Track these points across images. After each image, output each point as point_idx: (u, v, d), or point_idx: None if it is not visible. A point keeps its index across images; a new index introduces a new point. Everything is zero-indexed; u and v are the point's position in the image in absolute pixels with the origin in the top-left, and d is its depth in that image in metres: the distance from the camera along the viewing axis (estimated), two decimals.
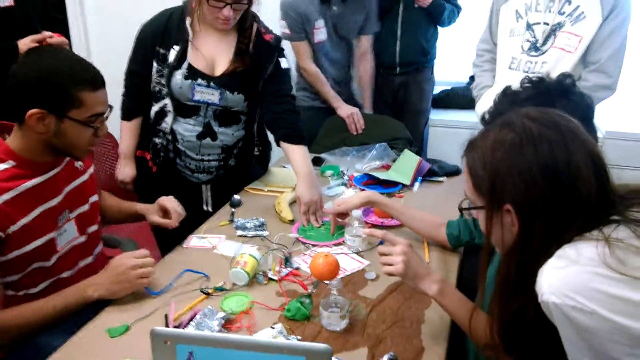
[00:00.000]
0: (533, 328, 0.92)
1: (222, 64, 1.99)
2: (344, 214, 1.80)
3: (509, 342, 0.99)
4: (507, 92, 1.31)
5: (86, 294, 1.38)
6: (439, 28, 3.12)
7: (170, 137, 2.04)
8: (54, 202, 1.46)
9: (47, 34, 1.89)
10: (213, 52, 1.99)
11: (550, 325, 0.88)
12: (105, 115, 1.43)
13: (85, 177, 1.60)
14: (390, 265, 1.25)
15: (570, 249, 0.87)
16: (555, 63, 2.02)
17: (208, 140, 2.04)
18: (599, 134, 2.87)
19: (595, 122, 1.33)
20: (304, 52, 2.80)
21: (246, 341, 0.91)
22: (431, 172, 2.29)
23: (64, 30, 3.43)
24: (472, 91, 2.38)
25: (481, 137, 0.99)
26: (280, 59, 2.07)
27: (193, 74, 1.95)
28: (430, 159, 2.42)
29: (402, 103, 3.24)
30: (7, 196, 1.34)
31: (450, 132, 3.38)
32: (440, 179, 2.31)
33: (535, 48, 2.07)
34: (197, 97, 1.97)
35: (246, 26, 1.99)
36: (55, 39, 1.88)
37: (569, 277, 0.83)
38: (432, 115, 3.45)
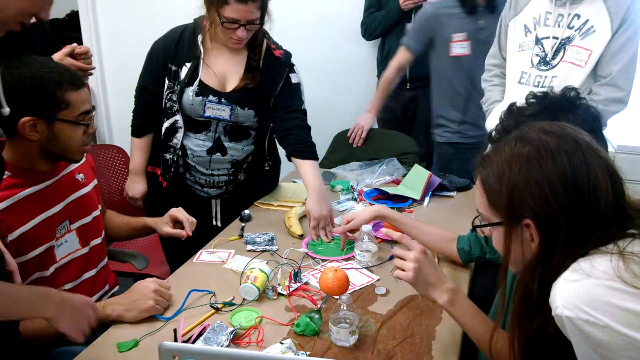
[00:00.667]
0: (554, 346, 0.91)
1: (232, 80, 2.02)
2: (353, 230, 1.79)
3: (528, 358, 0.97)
4: (512, 110, 1.31)
5: (105, 313, 1.39)
6: None
7: (180, 153, 2.05)
8: (52, 212, 1.48)
9: (74, 45, 1.94)
10: (224, 68, 2.01)
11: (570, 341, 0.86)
12: (92, 114, 1.48)
13: (87, 189, 1.62)
14: (402, 270, 1.24)
15: (584, 262, 0.86)
16: (565, 77, 2.01)
17: (218, 155, 2.06)
18: (610, 148, 2.85)
19: (606, 134, 1.32)
20: (400, 58, 2.79)
21: (254, 356, 0.90)
22: (441, 187, 2.28)
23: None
24: (481, 106, 2.38)
25: (495, 152, 0.98)
26: (290, 75, 2.08)
27: (204, 90, 1.97)
28: (440, 174, 2.41)
29: (412, 118, 3.24)
30: (3, 205, 1.36)
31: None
32: (451, 193, 2.30)
33: (544, 62, 2.06)
34: (208, 113, 1.99)
35: (257, 43, 2.01)
36: (82, 48, 1.95)
37: (583, 291, 0.82)
38: None
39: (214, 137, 2.04)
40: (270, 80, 2.04)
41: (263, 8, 1.89)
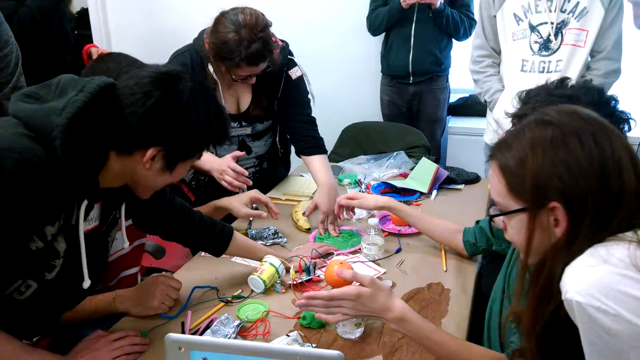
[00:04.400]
0: (567, 331, 0.89)
1: (245, 99, 2.06)
2: (352, 209, 1.82)
3: (543, 347, 0.96)
4: (529, 96, 1.28)
5: (113, 305, 1.41)
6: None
7: None
8: None
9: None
10: (235, 92, 2.05)
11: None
12: None
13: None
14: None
15: (601, 248, 0.85)
16: (569, 59, 2.13)
17: (244, 154, 2.11)
18: None
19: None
20: None
21: (259, 348, 0.91)
22: (449, 180, 2.28)
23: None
24: (479, 97, 2.42)
25: (513, 137, 0.95)
26: (289, 72, 2.07)
27: None
28: (448, 167, 2.41)
29: (417, 112, 3.24)
30: None
31: (470, 140, 3.35)
32: (459, 186, 2.29)
33: (546, 48, 2.14)
34: (232, 134, 2.06)
35: None
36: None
37: (596, 277, 0.81)
38: (451, 123, 3.43)
39: (238, 140, 2.10)
40: (271, 88, 2.06)
41: (271, 55, 1.88)
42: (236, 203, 1.78)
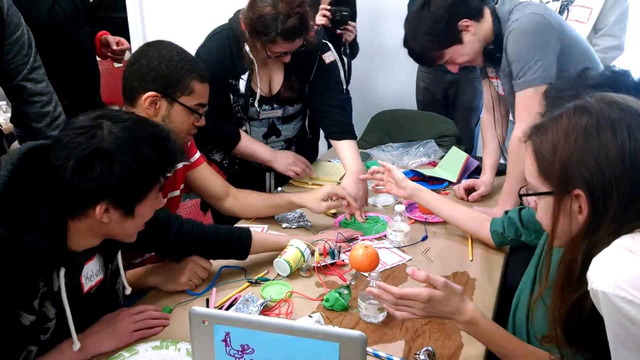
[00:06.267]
0: (592, 318, 0.89)
1: (277, 81, 2.06)
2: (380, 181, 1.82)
3: (570, 333, 0.96)
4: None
5: (143, 280, 1.45)
6: None
7: None
8: None
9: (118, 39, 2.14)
10: (268, 73, 2.04)
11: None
12: (204, 110, 1.56)
13: (179, 165, 1.64)
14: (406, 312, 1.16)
15: (627, 238, 0.85)
16: None
17: (273, 137, 2.13)
18: None
19: None
20: None
21: (281, 324, 0.92)
22: (479, 170, 2.24)
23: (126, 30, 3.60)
24: None
25: (552, 121, 0.96)
26: (323, 56, 2.07)
27: (259, 100, 2.01)
28: (479, 157, 2.37)
29: (454, 100, 3.19)
30: None
31: None
32: None
33: None
34: (262, 116, 2.08)
35: None
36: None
37: (623, 267, 0.81)
38: None
39: (268, 123, 2.11)
40: (304, 70, 2.06)
41: (307, 32, 1.88)
42: (312, 199, 1.76)
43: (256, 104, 2.01)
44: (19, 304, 1.05)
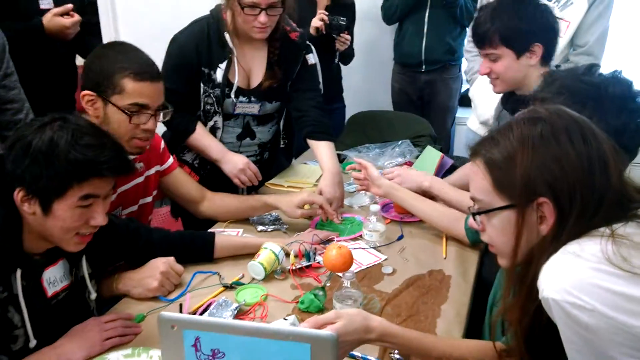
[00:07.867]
0: (551, 330, 0.88)
1: (256, 76, 2.01)
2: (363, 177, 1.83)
3: (530, 346, 0.95)
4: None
5: (114, 286, 1.42)
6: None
7: None
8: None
9: (69, 6, 2.04)
10: (249, 65, 2.00)
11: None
12: (150, 111, 1.45)
13: (141, 179, 1.64)
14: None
15: (573, 244, 0.85)
16: None
17: (248, 140, 2.09)
18: None
19: None
20: None
21: (251, 327, 0.91)
22: (454, 169, 2.25)
23: (98, 34, 3.54)
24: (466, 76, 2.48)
25: (500, 133, 0.95)
26: (307, 57, 2.07)
27: (236, 91, 1.96)
28: (455, 156, 2.39)
29: (429, 101, 3.22)
30: None
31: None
32: None
33: None
34: (238, 110, 2.01)
35: (276, 36, 1.96)
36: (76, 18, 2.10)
37: (570, 272, 0.80)
38: (459, 113, 3.40)
39: (242, 123, 2.06)
40: (288, 66, 2.04)
41: None
42: (287, 204, 1.75)
43: (232, 95, 1.95)
44: None
